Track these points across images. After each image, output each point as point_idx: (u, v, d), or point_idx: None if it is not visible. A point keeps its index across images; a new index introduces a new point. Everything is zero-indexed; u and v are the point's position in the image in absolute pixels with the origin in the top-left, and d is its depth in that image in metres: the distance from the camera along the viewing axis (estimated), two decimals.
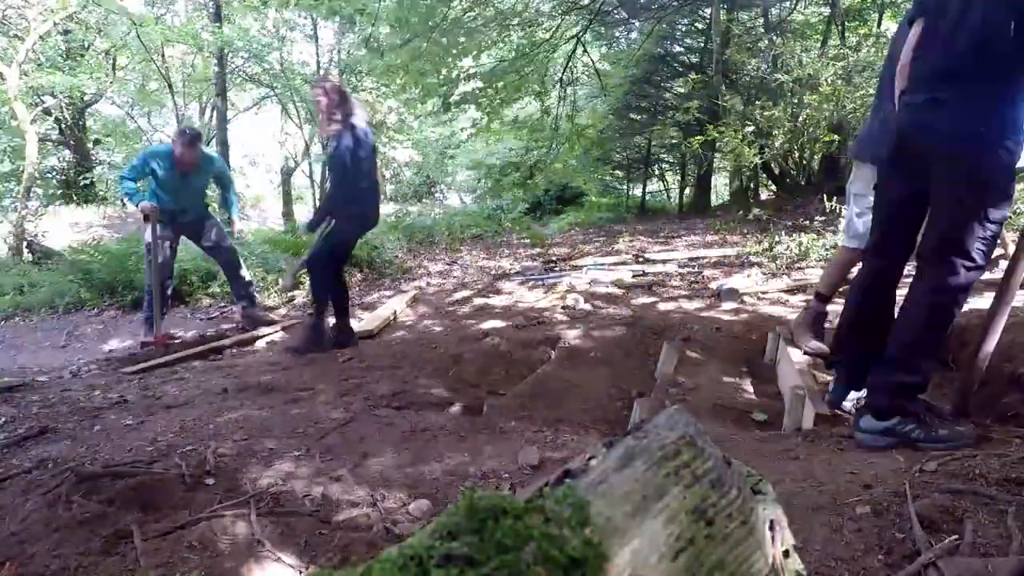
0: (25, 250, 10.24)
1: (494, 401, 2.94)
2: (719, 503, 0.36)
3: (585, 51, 9.00)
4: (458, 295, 5.31)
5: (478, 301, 4.93)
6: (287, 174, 15.79)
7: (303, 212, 15.04)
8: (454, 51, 6.74)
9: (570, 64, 8.97)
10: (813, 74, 7.17)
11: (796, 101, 7.73)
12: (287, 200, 15.30)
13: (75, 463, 2.07)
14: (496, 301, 4.93)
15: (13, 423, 2.57)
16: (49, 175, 14.63)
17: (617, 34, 11.37)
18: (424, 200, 18.26)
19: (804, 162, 9.73)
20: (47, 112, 12.82)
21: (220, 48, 10.69)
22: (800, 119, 7.44)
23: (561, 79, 9.15)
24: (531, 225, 10.80)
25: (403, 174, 20.86)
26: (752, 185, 11.47)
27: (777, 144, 7.93)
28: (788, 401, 2.49)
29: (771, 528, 0.42)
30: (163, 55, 12.62)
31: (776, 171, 10.39)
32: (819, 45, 9.27)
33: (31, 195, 11.36)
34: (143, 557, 1.55)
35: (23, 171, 11.17)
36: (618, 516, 0.31)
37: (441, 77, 7.26)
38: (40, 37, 11.42)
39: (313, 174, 16.06)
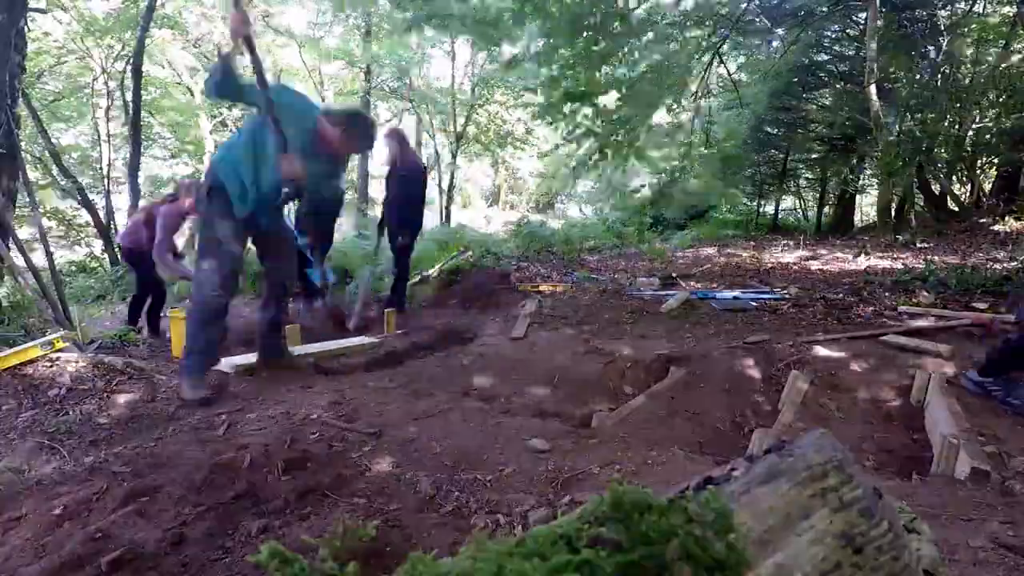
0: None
1: (602, 415, 2.92)
2: (869, 533, 0.34)
3: (722, 62, 8.58)
4: (570, 308, 5.32)
5: (589, 314, 4.90)
6: None
7: (430, 217, 15.85)
8: (587, 68, 6.64)
9: (705, 77, 8.61)
10: (991, 81, 6.33)
11: (966, 111, 6.85)
12: None
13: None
14: (608, 315, 4.88)
15: None
16: None
17: (757, 43, 10.79)
18: (545, 210, 18.49)
19: (972, 181, 8.60)
20: (223, 124, 14.69)
21: (368, 64, 11.66)
22: (971, 132, 6.60)
23: (696, 93, 8.82)
24: (652, 240, 10.55)
25: (526, 183, 21.31)
26: (905, 205, 10.35)
27: (939, 160, 7.08)
28: (939, 450, 2.22)
29: None
30: (320, 71, 14.00)
31: (936, 190, 9.28)
32: (1001, 48, 8.17)
33: None
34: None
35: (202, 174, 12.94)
36: (761, 528, 0.31)
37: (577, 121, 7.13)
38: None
39: (442, 182, 16.86)
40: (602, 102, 6.53)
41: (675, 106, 7.85)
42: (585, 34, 5.57)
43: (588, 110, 6.51)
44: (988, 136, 6.64)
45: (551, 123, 6.69)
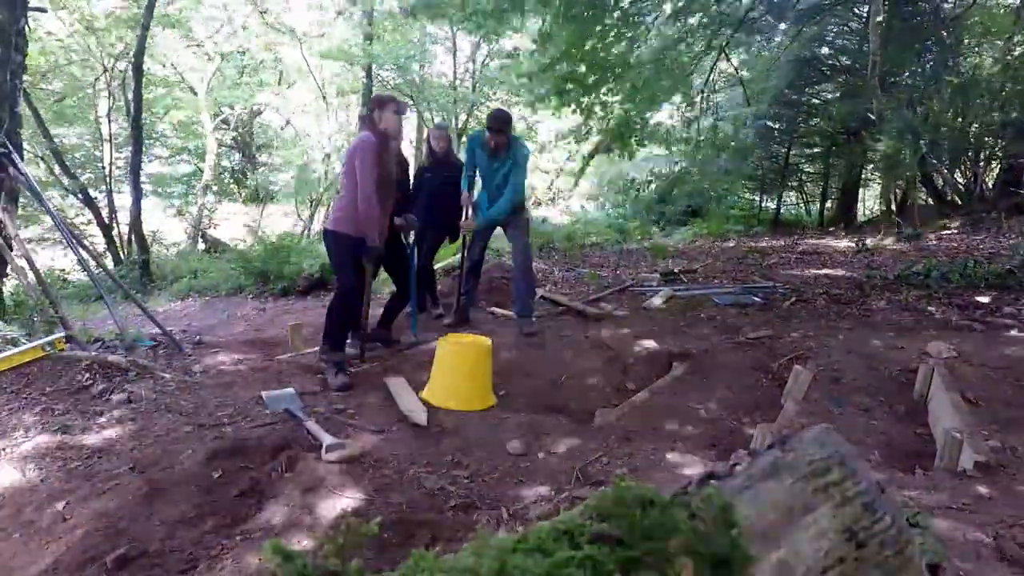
0: (200, 240, 11.86)
1: (605, 411, 2.92)
2: (872, 528, 0.34)
3: (728, 59, 8.53)
4: (576, 303, 5.31)
5: (595, 311, 4.89)
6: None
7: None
8: (597, 75, 6.64)
9: (711, 76, 8.60)
10: (995, 74, 6.29)
11: (970, 105, 6.81)
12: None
13: None
14: (612, 310, 4.87)
15: None
16: (222, 175, 16.74)
17: (759, 38, 10.74)
18: (547, 206, 18.43)
19: (975, 174, 8.56)
20: (225, 122, 14.69)
21: (369, 63, 11.63)
22: (975, 125, 6.55)
23: (702, 92, 8.81)
24: (655, 235, 10.53)
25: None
26: (908, 199, 10.32)
27: (942, 154, 7.04)
28: (942, 444, 2.21)
29: (934, 573, 0.39)
30: (320, 69, 13.96)
31: (939, 183, 9.25)
32: (1004, 40, 8.12)
33: (208, 193, 13.10)
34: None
35: (203, 171, 12.99)
36: (764, 523, 0.31)
37: (583, 103, 7.12)
38: (223, 57, 13.13)
39: None
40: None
41: (683, 104, 7.85)
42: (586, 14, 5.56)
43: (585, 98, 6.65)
44: (991, 129, 6.61)
45: (554, 106, 6.98)
